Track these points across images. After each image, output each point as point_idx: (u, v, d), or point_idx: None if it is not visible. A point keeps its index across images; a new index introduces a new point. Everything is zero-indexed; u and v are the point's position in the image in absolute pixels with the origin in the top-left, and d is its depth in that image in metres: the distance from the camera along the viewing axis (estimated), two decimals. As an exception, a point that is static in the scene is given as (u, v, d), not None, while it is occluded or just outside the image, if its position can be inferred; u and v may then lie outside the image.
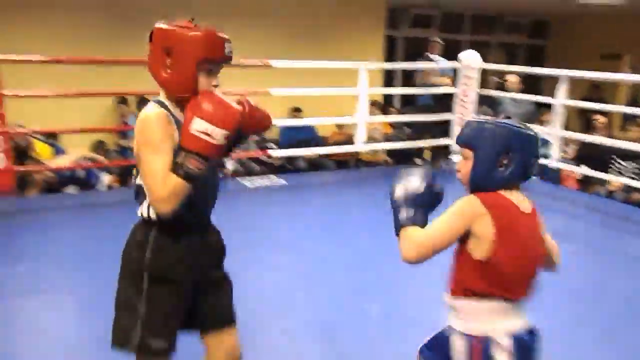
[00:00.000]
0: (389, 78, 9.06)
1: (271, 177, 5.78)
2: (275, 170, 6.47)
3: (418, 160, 6.39)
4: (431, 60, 6.15)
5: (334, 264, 3.42)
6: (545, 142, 6.52)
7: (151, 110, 1.54)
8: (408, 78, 9.27)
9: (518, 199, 1.50)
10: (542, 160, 5.82)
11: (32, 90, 4.75)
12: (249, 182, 5.49)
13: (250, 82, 5.99)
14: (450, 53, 6.37)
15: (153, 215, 1.60)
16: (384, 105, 8.55)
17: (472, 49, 6.43)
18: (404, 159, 6.85)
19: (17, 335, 2.53)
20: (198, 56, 1.55)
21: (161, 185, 1.48)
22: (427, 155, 6.68)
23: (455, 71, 6.17)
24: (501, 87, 6.58)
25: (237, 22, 7.38)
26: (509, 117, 6.43)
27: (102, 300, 2.84)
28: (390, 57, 9.19)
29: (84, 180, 5.64)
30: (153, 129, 1.50)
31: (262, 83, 5.78)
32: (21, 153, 5.36)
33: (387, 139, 7.58)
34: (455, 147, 6.35)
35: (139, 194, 1.63)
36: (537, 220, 1.56)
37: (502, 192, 1.48)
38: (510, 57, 11.10)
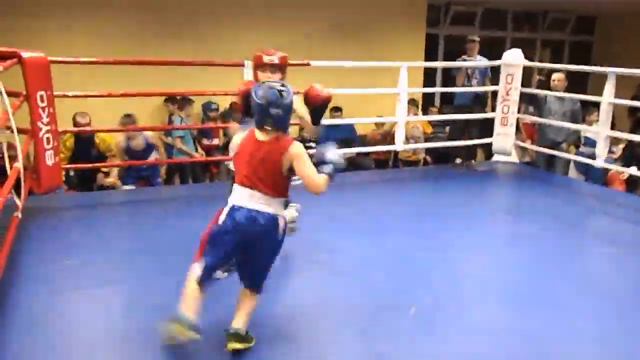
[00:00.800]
0: (429, 76, 8.98)
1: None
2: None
3: (457, 160, 6.30)
4: (465, 59, 6.05)
5: (373, 263, 3.42)
6: (591, 142, 6.35)
7: None
8: (448, 76, 9.19)
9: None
10: (587, 160, 5.69)
11: (80, 91, 4.90)
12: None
13: (291, 81, 6.03)
14: (493, 50, 6.27)
15: None
16: (424, 104, 8.49)
17: (515, 46, 6.30)
18: (443, 158, 6.78)
19: (65, 328, 2.62)
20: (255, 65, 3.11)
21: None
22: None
23: (497, 69, 6.06)
24: (545, 85, 6.43)
25: (277, 21, 7.48)
26: (552, 116, 6.23)
27: (147, 295, 2.94)
28: (430, 55, 9.10)
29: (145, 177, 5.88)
30: None
31: (303, 82, 5.81)
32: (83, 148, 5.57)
33: (427, 138, 7.53)
34: (496, 147, 6.28)
35: None
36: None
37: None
38: (555, 55, 10.84)
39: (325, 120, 6.66)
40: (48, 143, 4.11)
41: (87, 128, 5.56)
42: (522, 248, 3.82)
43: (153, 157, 5.70)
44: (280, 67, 3.15)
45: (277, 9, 7.47)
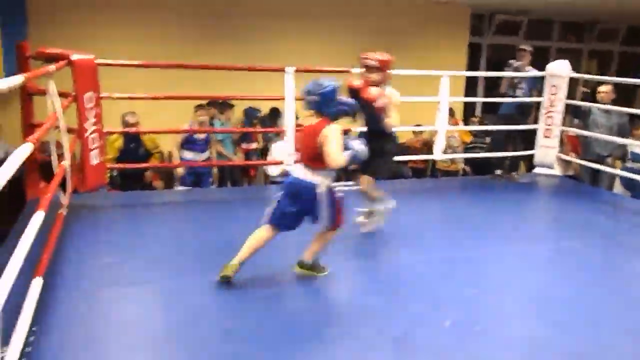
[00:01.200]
0: (471, 85, 8.87)
1: (346, 183, 5.81)
2: (351, 176, 6.49)
3: (498, 171, 6.18)
4: (515, 67, 5.91)
5: (409, 273, 3.39)
6: (638, 157, 6.15)
7: None
8: (491, 86, 9.05)
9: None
10: (634, 176, 5.51)
11: (126, 93, 5.04)
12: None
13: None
14: (536, 60, 6.14)
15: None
16: (465, 113, 8.40)
17: (560, 57, 6.17)
18: (483, 168, 6.67)
19: (106, 324, 2.69)
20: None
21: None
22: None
23: (542, 80, 5.93)
24: (590, 97, 6.26)
25: (318, 26, 7.52)
26: (598, 129, 6.05)
27: (184, 294, 2.99)
28: (473, 64, 8.99)
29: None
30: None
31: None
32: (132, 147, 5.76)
33: (467, 148, 7.43)
34: (538, 159, 6.15)
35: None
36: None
37: None
38: (601, 66, 10.56)
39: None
40: (94, 143, 4.24)
41: (133, 129, 5.70)
42: (564, 264, 3.72)
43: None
44: (379, 69, 3.70)
45: (320, 17, 7.51)
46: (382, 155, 3.81)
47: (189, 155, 6.13)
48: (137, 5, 6.69)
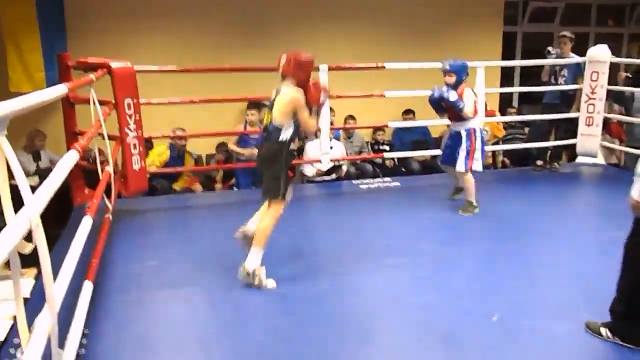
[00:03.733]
0: (506, 75, 8.69)
1: (384, 179, 5.79)
2: (388, 172, 6.46)
3: (538, 162, 6.04)
4: (553, 55, 5.75)
5: (453, 268, 3.35)
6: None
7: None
8: (527, 76, 8.84)
9: None
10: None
11: (163, 98, 5.13)
12: (362, 183, 5.54)
13: (366, 83, 6.03)
14: (576, 47, 5.97)
15: (285, 139, 3.04)
16: (501, 104, 8.24)
17: (599, 42, 5.98)
18: (524, 160, 6.53)
19: (154, 327, 2.74)
20: None
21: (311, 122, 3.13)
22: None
23: (582, 66, 5.76)
24: (633, 82, 6.06)
25: (351, 21, 7.49)
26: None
27: (229, 294, 3.02)
28: (507, 53, 8.81)
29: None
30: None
31: (378, 84, 5.80)
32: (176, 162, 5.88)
33: (504, 140, 7.28)
34: (580, 148, 5.98)
35: (277, 131, 3.05)
36: None
37: None
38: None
39: (398, 123, 6.64)
40: (134, 148, 4.33)
41: (180, 133, 5.79)
42: (612, 255, 3.60)
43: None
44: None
45: (349, 14, 7.47)
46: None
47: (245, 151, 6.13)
48: (172, 14, 6.79)
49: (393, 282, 3.21)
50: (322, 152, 5.45)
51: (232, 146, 6.09)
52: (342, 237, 3.36)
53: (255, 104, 6.01)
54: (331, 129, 5.48)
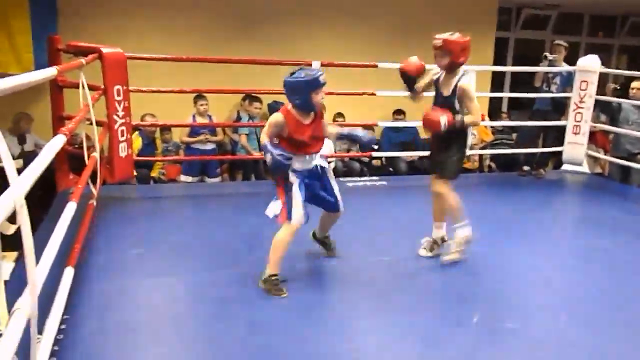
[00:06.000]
0: (497, 80, 8.75)
1: (371, 178, 5.80)
2: (376, 171, 6.48)
3: (525, 167, 6.10)
4: (551, 62, 5.81)
5: (432, 269, 3.37)
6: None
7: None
8: (517, 82, 8.92)
9: None
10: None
11: (152, 86, 5.09)
12: (349, 181, 5.55)
13: (358, 82, 6.03)
14: (566, 56, 6.03)
15: None
16: (491, 109, 8.29)
17: (591, 52, 6.05)
18: (510, 165, 6.59)
19: (133, 315, 2.72)
20: None
21: None
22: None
23: (573, 75, 5.82)
24: (620, 93, 6.13)
25: (344, 20, 7.49)
26: (629, 125, 5.93)
27: (209, 285, 3.02)
28: (499, 59, 8.87)
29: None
30: None
31: (369, 83, 5.80)
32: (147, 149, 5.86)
33: (493, 144, 7.34)
34: (566, 156, 6.03)
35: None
36: None
37: None
38: (632, 61, 10.32)
39: (388, 123, 6.66)
40: (122, 135, 4.30)
41: (159, 122, 5.78)
42: (592, 262, 3.66)
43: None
44: (445, 51, 3.17)
45: (344, 13, 7.47)
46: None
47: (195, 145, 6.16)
48: (163, 3, 6.75)
49: (374, 280, 3.22)
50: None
51: (184, 138, 6.10)
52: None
53: (201, 96, 6.00)
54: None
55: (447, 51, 3.17)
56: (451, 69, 3.27)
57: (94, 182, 3.81)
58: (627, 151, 5.77)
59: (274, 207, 2.93)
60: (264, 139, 2.90)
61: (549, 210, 5.07)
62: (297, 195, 2.89)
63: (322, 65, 5.16)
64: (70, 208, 2.53)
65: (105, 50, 4.06)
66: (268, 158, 2.80)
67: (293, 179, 2.92)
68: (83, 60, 3.41)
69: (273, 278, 2.90)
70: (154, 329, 2.62)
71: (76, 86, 3.43)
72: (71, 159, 4.49)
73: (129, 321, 2.63)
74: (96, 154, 3.67)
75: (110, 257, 3.31)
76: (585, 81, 5.73)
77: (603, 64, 5.86)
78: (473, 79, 3.15)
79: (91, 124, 3.65)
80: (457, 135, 3.30)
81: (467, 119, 3.23)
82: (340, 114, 6.75)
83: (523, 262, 3.57)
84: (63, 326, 2.41)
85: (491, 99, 8.41)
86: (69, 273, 2.61)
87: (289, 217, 2.88)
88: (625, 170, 5.84)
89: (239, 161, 6.50)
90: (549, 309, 2.95)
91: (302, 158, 2.96)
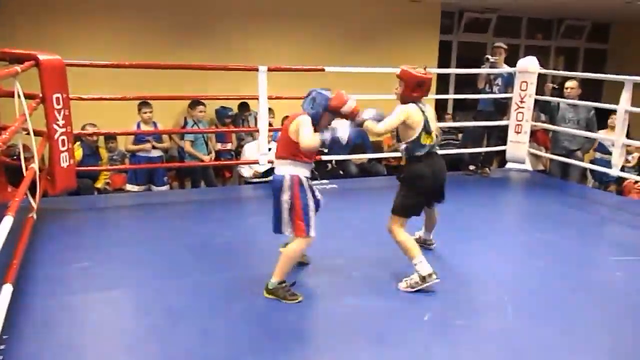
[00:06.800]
0: (442, 83, 8.95)
1: (322, 182, 5.81)
2: (326, 174, 6.49)
3: (471, 167, 6.26)
4: (492, 63, 5.99)
5: (383, 269, 3.40)
6: (605, 150, 6.29)
7: None
8: (462, 83, 9.15)
9: None
10: (603, 169, 5.64)
11: (94, 94, 4.94)
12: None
13: (306, 86, 6.02)
14: (506, 58, 6.23)
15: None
16: (437, 110, 8.46)
17: (529, 54, 6.27)
18: (456, 165, 6.74)
19: (79, 329, 2.62)
20: None
21: None
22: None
23: (513, 76, 6.02)
24: (558, 93, 6.39)
25: (291, 24, 7.49)
26: (567, 124, 6.12)
27: (158, 297, 2.94)
28: (443, 61, 9.08)
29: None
30: None
31: (317, 87, 5.79)
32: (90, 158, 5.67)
33: (439, 145, 7.49)
34: (510, 154, 6.23)
35: None
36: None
37: None
38: (568, 62, 10.77)
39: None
40: (63, 145, 4.14)
41: (102, 131, 5.62)
42: (537, 256, 3.78)
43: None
44: (401, 79, 3.21)
45: (294, 16, 7.48)
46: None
47: (140, 153, 6.02)
48: (105, 4, 6.57)
49: (329, 283, 3.22)
50: (260, 153, 5.42)
51: (130, 146, 5.97)
52: (273, 236, 3.33)
53: (145, 103, 5.86)
54: (270, 130, 5.44)
55: (402, 80, 3.17)
56: (402, 101, 3.21)
57: (34, 195, 3.66)
58: (565, 148, 6.00)
59: (290, 224, 2.93)
60: (315, 138, 2.85)
61: (494, 207, 5.22)
62: (312, 207, 2.97)
63: (270, 70, 5.14)
64: (6, 222, 2.41)
65: (42, 57, 3.91)
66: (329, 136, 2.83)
67: (307, 186, 2.97)
68: (18, 67, 3.27)
69: (284, 285, 2.91)
70: (99, 346, 2.52)
71: (11, 95, 3.29)
72: (8, 171, 4.29)
73: (73, 339, 2.53)
74: (35, 165, 3.52)
75: (52, 272, 3.18)
76: (525, 82, 5.94)
77: (541, 65, 6.09)
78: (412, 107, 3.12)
79: (28, 134, 3.51)
80: (410, 176, 3.30)
81: (369, 123, 3.09)
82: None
83: (472, 259, 3.65)
84: (2, 346, 2.29)
85: (437, 100, 8.59)
86: (7, 290, 2.49)
87: (307, 232, 2.91)
88: (565, 166, 6.07)
89: (187, 168, 6.39)
90: (496, 304, 3.03)
91: (309, 166, 3.02)
